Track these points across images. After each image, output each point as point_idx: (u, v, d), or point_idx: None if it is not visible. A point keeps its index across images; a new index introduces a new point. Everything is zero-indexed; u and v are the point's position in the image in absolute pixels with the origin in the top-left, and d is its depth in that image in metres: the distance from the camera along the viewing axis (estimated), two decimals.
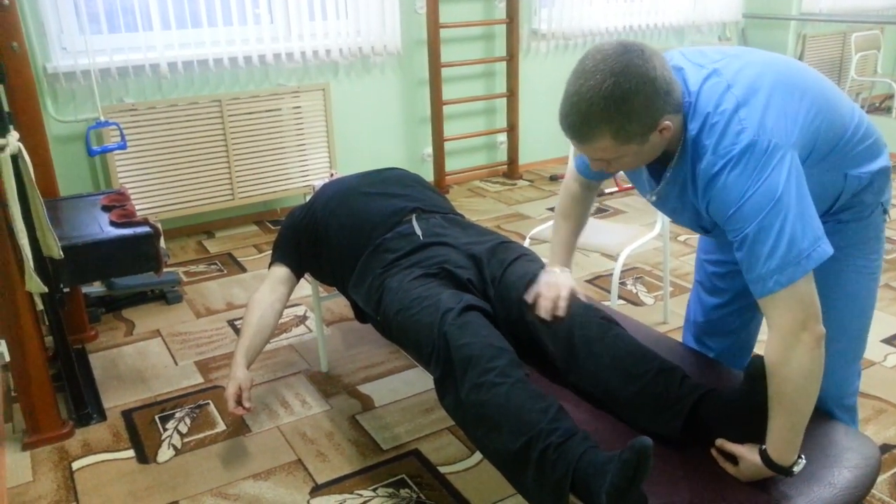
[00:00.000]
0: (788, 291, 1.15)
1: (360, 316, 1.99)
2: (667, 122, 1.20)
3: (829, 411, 1.48)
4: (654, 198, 1.41)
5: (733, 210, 1.18)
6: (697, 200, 1.28)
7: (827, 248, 1.17)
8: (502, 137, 4.71)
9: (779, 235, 1.14)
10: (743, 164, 1.16)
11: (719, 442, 1.32)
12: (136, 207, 3.04)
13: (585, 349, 1.54)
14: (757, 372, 1.24)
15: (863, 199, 1.36)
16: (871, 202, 1.38)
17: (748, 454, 1.27)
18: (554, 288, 1.63)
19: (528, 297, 1.65)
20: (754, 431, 1.27)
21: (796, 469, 1.24)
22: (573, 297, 1.62)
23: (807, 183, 1.19)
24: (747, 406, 1.28)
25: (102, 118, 3.21)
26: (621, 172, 1.58)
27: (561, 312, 1.59)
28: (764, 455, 1.24)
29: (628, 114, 1.16)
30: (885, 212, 1.42)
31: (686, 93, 1.24)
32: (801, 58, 5.40)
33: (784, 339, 1.17)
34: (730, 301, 1.65)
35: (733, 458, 1.30)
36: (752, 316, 1.67)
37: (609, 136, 1.19)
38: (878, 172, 1.35)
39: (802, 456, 1.25)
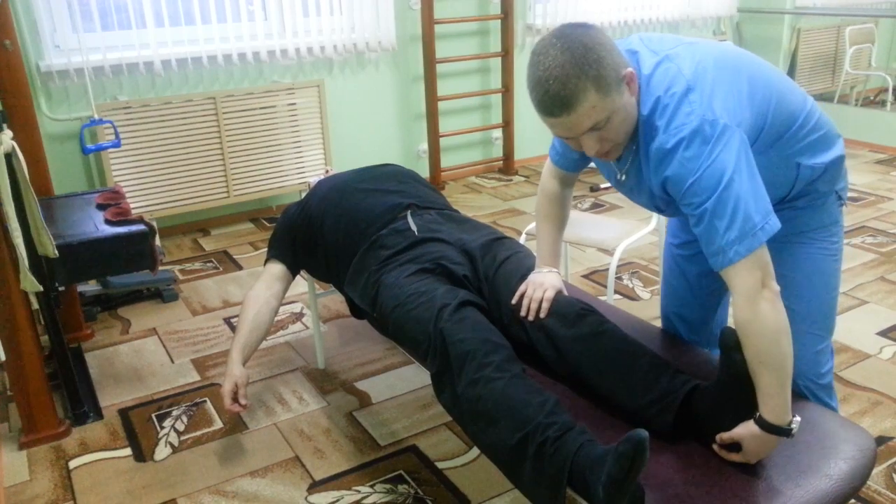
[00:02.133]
0: (747, 259, 1.22)
1: (356, 312, 1.99)
2: (629, 70, 1.25)
3: (805, 390, 1.52)
4: (623, 177, 1.44)
5: (688, 185, 1.24)
6: (651, 179, 1.33)
7: (776, 223, 1.24)
8: (497, 133, 4.70)
9: (734, 210, 1.21)
10: (696, 142, 1.22)
11: (718, 436, 1.33)
12: (131, 205, 3.03)
13: (575, 347, 1.55)
14: (730, 341, 1.29)
15: (817, 187, 1.42)
16: (825, 191, 1.44)
17: (746, 430, 1.29)
18: (539, 288, 1.65)
19: (514, 298, 1.68)
20: (743, 411, 1.29)
21: (794, 427, 1.26)
22: (558, 298, 1.64)
23: (759, 169, 1.25)
24: (731, 380, 1.31)
25: (96, 116, 3.20)
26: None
27: (543, 314, 1.62)
28: (760, 421, 1.26)
29: (598, 60, 1.19)
30: (840, 198, 1.48)
31: (639, 75, 1.29)
32: (795, 52, 5.41)
33: (748, 298, 1.23)
34: (693, 284, 1.70)
35: (735, 447, 1.31)
36: (715, 304, 1.72)
37: (592, 89, 1.19)
38: (830, 163, 1.41)
39: (796, 415, 1.27)
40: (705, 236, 1.25)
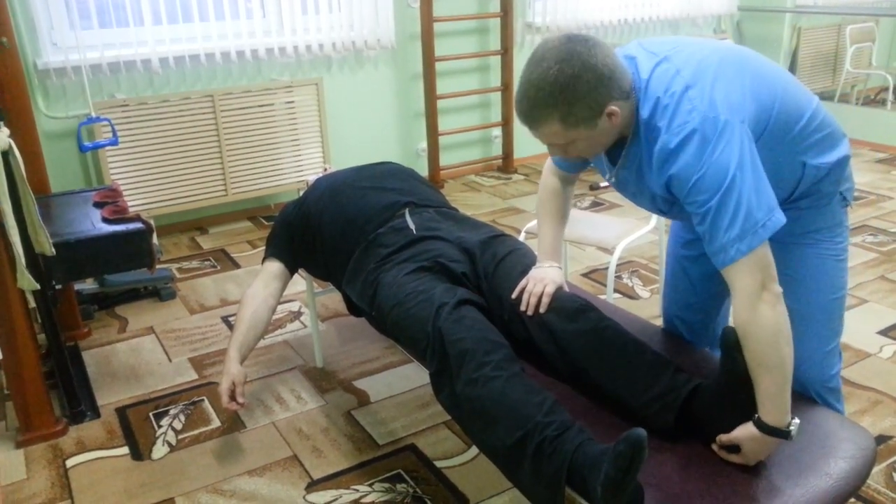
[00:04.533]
0: (748, 258, 1.22)
1: (355, 310, 1.98)
2: (614, 107, 1.27)
3: (813, 395, 1.50)
4: (613, 179, 1.47)
5: (692, 183, 1.24)
6: (653, 180, 1.34)
7: (780, 217, 1.24)
8: (497, 132, 4.70)
9: (737, 207, 1.21)
10: (697, 139, 1.22)
11: (717, 438, 1.33)
12: (129, 203, 3.02)
13: (576, 342, 1.54)
14: (731, 341, 1.28)
15: (820, 188, 1.41)
16: (829, 191, 1.42)
17: (744, 432, 1.28)
18: (540, 283, 1.65)
19: (514, 293, 1.68)
20: (743, 411, 1.28)
21: (793, 429, 1.26)
22: (559, 293, 1.64)
23: (764, 167, 1.25)
24: (732, 381, 1.30)
25: (94, 114, 3.19)
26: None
27: (542, 309, 1.61)
28: (759, 423, 1.26)
29: (573, 99, 1.24)
30: (845, 199, 1.46)
31: (637, 79, 1.31)
32: (795, 50, 5.40)
33: (748, 299, 1.23)
34: (696, 286, 1.68)
35: (735, 449, 1.30)
36: (717, 307, 1.71)
37: (557, 120, 1.27)
38: (836, 163, 1.39)
39: (795, 417, 1.27)
40: (708, 234, 1.25)
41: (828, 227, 1.44)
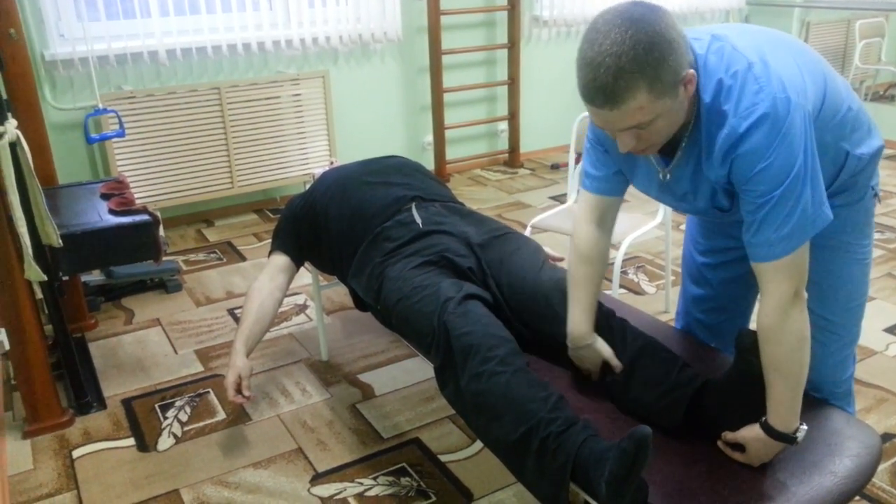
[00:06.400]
0: (790, 258, 1.17)
1: (360, 304, 1.99)
2: (691, 71, 1.15)
3: (825, 397, 1.49)
4: (667, 176, 1.32)
5: (755, 171, 1.15)
6: (714, 171, 1.23)
7: (828, 213, 1.19)
8: (503, 125, 4.68)
9: (796, 202, 1.15)
10: (768, 123, 1.13)
11: (723, 435, 1.32)
12: (135, 195, 3.03)
13: None
14: (747, 343, 1.26)
15: (857, 180, 1.36)
16: (864, 185, 1.38)
17: (751, 434, 1.27)
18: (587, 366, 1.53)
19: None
20: (752, 410, 1.27)
21: (799, 436, 1.25)
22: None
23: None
24: (743, 380, 1.29)
25: (101, 106, 3.20)
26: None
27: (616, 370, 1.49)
28: (766, 426, 1.25)
29: (659, 60, 1.09)
30: (876, 195, 1.42)
31: (694, 56, 1.19)
32: None
33: (780, 305, 1.18)
34: (718, 291, 1.64)
35: (740, 447, 1.30)
36: (742, 310, 1.65)
37: (644, 88, 1.09)
38: (874, 153, 1.35)
39: (803, 423, 1.25)
40: (757, 225, 1.18)
41: (858, 227, 1.39)
